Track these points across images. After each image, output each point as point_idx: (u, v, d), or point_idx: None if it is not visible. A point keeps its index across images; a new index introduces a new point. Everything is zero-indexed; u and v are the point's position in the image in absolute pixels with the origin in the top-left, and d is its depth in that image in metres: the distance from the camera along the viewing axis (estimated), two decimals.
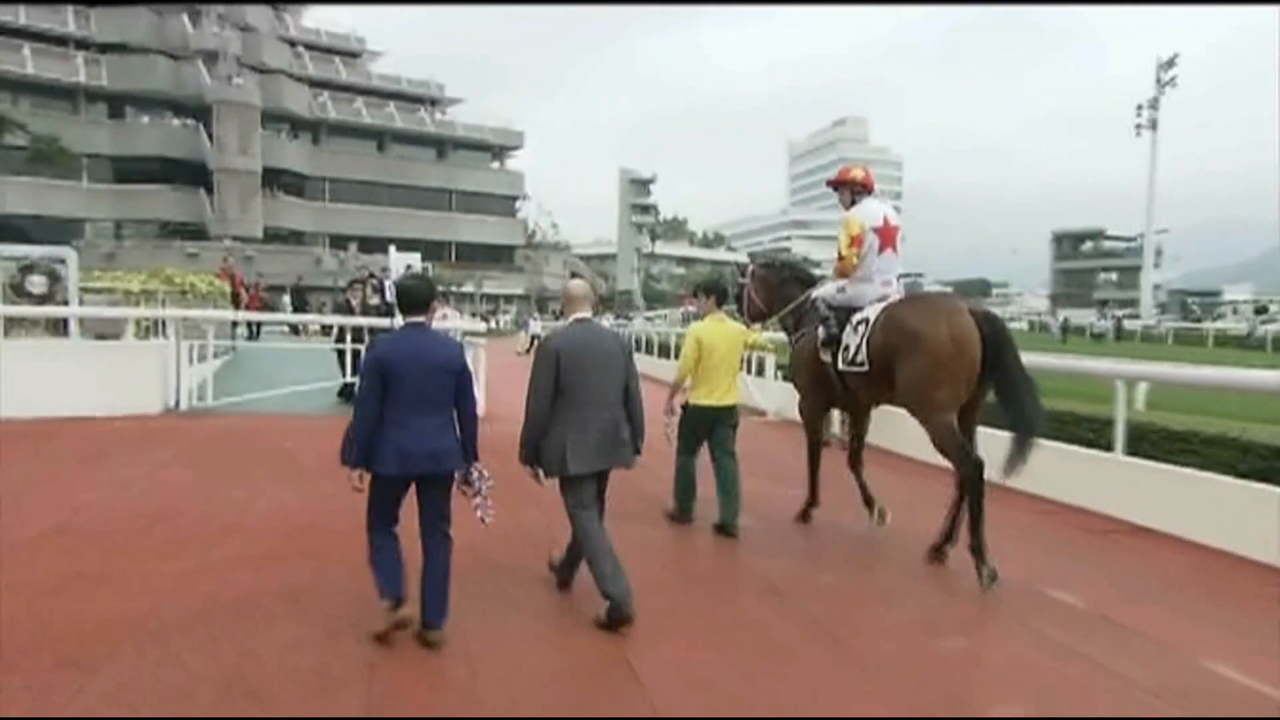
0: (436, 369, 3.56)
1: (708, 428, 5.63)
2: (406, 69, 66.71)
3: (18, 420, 8.42)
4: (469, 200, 63.53)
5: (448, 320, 11.85)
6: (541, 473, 4.06)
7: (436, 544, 3.63)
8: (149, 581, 4.28)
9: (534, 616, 4.06)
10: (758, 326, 6.48)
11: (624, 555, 4.03)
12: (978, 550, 4.63)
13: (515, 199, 67.56)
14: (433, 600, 3.59)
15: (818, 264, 6.29)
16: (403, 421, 3.48)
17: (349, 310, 12.21)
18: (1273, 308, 55.38)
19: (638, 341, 22.26)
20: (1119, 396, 6.42)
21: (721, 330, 5.68)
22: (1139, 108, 57.36)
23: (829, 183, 5.93)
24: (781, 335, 6.82)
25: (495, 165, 67.14)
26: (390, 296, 11.33)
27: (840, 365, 5.37)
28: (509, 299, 60.45)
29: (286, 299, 32.07)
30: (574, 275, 45.53)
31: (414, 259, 20.10)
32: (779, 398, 11.33)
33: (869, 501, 5.79)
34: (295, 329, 21.01)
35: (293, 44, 60.49)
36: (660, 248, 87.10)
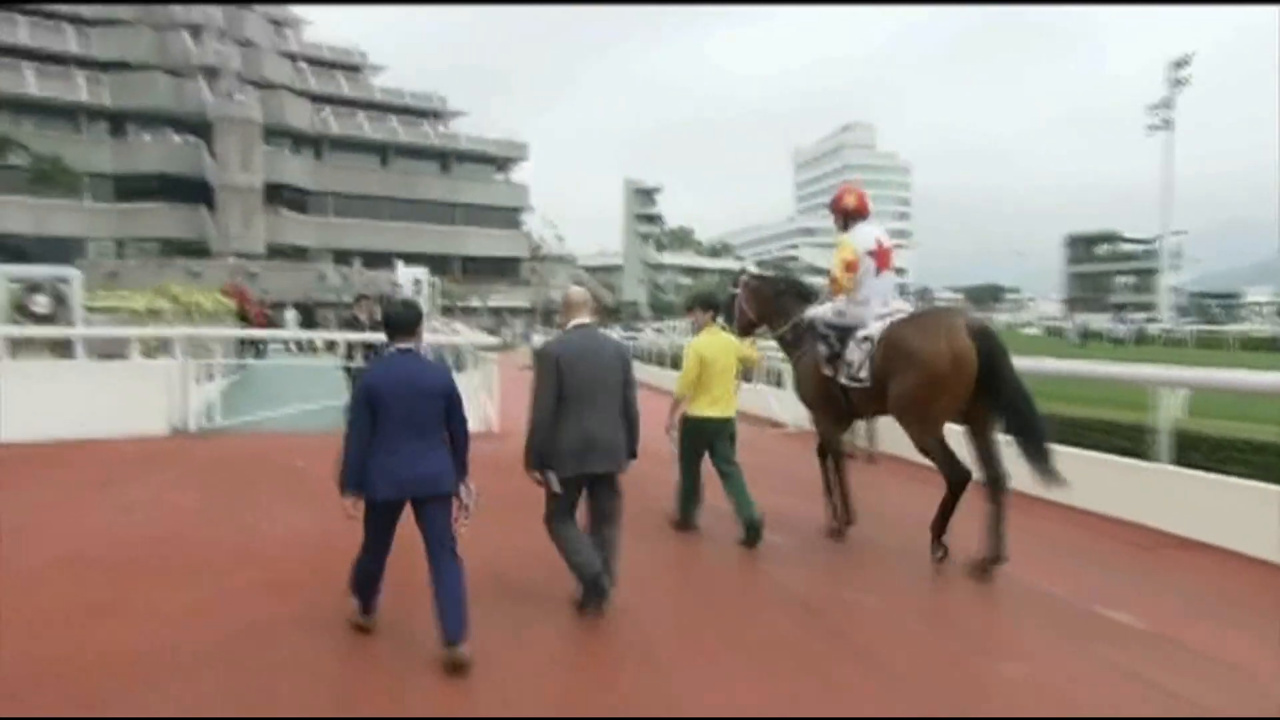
0: (426, 393, 3.57)
1: (707, 440, 5.70)
2: (409, 82, 66.88)
3: (22, 444, 8.26)
4: (473, 213, 63.26)
5: (459, 335, 11.70)
6: (554, 477, 4.05)
7: (445, 564, 3.58)
8: (160, 611, 4.13)
9: (557, 637, 3.96)
10: (749, 341, 6.47)
11: (645, 574, 4.08)
12: (938, 534, 5.16)
13: (520, 211, 67.48)
14: (453, 616, 3.51)
15: (825, 271, 6.26)
16: (393, 447, 3.51)
17: (356, 325, 12.08)
18: None
19: (650, 355, 21.99)
20: (1162, 403, 6.21)
21: (720, 343, 5.80)
22: (1152, 108, 57.21)
23: (828, 206, 6.09)
24: (771, 344, 6.92)
25: (499, 177, 66.90)
26: None
27: (843, 379, 5.52)
28: (515, 312, 60.25)
29: (288, 315, 31.91)
30: (576, 284, 45.44)
31: (421, 274, 19.94)
32: (797, 409, 11.13)
33: (829, 493, 5.87)
34: (301, 346, 20.91)
35: (294, 59, 60.52)
36: (666, 258, 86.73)
